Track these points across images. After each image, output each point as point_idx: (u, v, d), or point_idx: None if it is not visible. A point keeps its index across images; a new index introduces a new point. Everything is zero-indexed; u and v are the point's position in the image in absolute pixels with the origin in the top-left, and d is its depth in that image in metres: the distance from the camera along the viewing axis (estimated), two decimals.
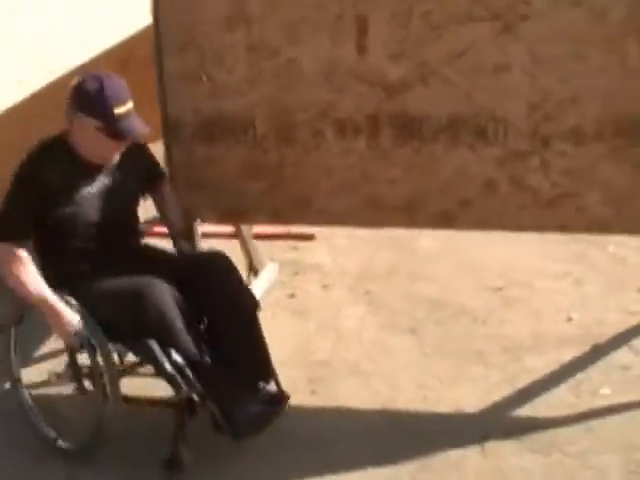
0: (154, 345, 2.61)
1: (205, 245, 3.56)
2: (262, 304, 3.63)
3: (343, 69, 3.03)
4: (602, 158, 2.97)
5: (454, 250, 4.27)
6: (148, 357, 2.66)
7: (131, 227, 2.95)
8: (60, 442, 2.91)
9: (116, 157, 2.74)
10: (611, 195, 3.00)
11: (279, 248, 4.40)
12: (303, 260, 4.26)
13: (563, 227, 3.08)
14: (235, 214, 3.33)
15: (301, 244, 4.44)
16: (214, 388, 2.65)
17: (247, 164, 3.18)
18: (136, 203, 2.95)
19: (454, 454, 2.82)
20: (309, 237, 4.42)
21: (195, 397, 2.64)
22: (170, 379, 2.63)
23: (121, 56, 3.92)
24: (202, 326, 2.80)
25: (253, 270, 3.93)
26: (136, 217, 2.97)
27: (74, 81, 2.68)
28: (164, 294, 2.65)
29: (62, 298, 2.66)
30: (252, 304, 2.88)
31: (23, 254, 2.64)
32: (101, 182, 2.75)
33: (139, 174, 2.89)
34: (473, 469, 2.76)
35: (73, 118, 2.66)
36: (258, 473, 2.79)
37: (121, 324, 2.67)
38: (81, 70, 3.47)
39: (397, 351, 3.42)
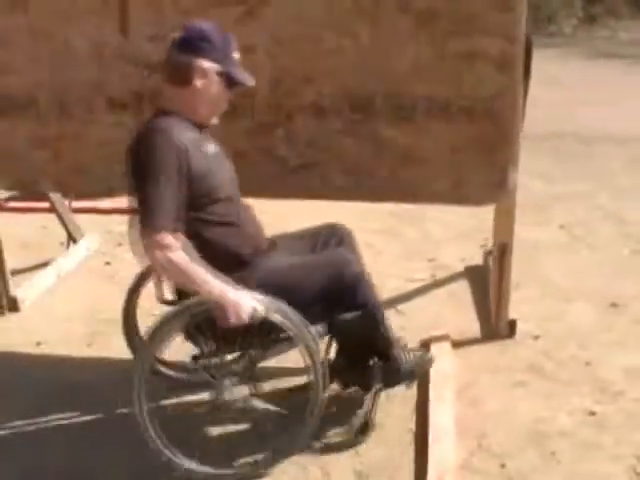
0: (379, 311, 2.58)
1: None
2: (78, 270, 3.85)
3: (110, 50, 3.19)
4: (341, 132, 3.12)
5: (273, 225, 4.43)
6: (371, 326, 2.57)
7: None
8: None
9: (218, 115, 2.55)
10: (350, 166, 3.16)
11: (116, 221, 4.56)
12: None
13: (309, 195, 3.23)
14: (24, 183, 3.48)
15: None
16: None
17: (31, 137, 3.30)
18: None
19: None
20: None
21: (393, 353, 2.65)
22: (388, 339, 2.63)
23: None
24: None
25: (72, 240, 4.10)
26: None
27: (181, 33, 2.47)
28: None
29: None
30: None
31: (180, 242, 2.33)
32: (213, 144, 2.53)
33: None
34: None
35: (189, 69, 2.43)
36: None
37: (316, 302, 2.49)
38: None
39: None
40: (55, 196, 3.93)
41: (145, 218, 2.30)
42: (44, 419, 2.88)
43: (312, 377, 2.45)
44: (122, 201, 4.40)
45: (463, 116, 3.07)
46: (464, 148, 3.09)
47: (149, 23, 3.13)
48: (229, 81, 2.49)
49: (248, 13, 3.05)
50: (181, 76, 2.45)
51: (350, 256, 2.62)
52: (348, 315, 2.54)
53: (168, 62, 2.48)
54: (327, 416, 2.71)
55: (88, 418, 2.90)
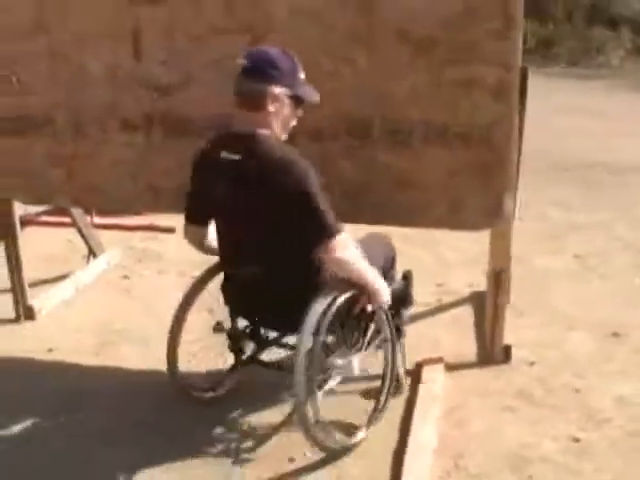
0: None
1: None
2: (96, 283, 3.98)
3: (123, 74, 3.33)
4: (338, 156, 3.20)
5: None
6: (408, 290, 3.10)
7: None
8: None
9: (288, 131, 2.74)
10: (348, 189, 3.22)
11: (139, 238, 4.71)
12: (152, 249, 4.56)
13: None
14: (44, 198, 3.64)
15: (162, 236, 4.74)
16: None
17: (48, 155, 3.47)
18: None
19: None
20: (169, 230, 4.71)
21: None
22: (411, 298, 3.13)
23: None
24: None
25: (93, 254, 4.24)
26: None
27: (248, 60, 2.62)
28: None
29: None
30: None
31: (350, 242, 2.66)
32: None
33: None
34: None
35: (262, 96, 2.59)
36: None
37: None
38: None
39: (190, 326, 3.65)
40: (76, 212, 4.08)
41: (326, 227, 2.55)
42: (51, 422, 2.99)
43: (389, 344, 2.84)
44: (145, 219, 4.59)
45: (460, 142, 3.12)
46: (460, 174, 3.13)
47: (161, 48, 3.26)
48: (298, 100, 2.67)
49: (254, 40, 3.15)
50: (255, 103, 2.60)
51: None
52: (397, 284, 3.02)
53: (240, 90, 2.62)
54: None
55: (93, 422, 3.01)
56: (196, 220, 2.90)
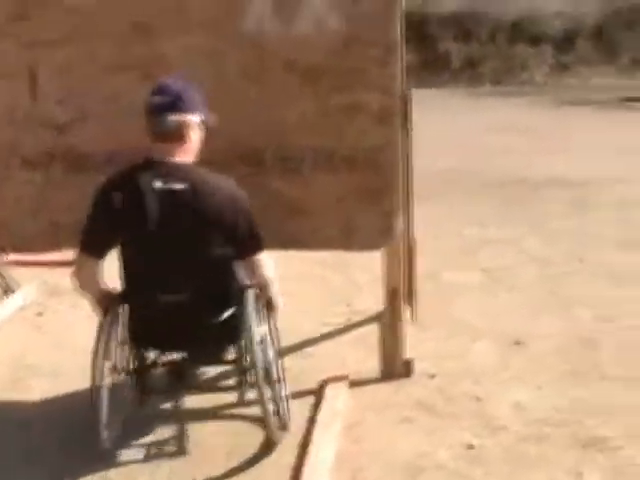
0: None
1: None
2: (10, 320, 4.02)
3: (23, 113, 3.41)
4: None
5: None
6: None
7: None
8: None
9: None
10: None
11: (53, 273, 4.75)
12: (65, 283, 4.57)
13: None
14: None
15: None
16: None
17: None
18: None
19: None
20: None
21: None
22: None
23: None
24: None
25: (10, 291, 4.29)
26: None
27: (157, 97, 2.76)
28: None
29: None
30: None
31: None
32: None
33: None
34: None
35: (181, 128, 2.78)
36: None
37: None
38: None
39: None
40: None
41: (259, 239, 2.87)
42: None
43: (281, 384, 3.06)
44: (59, 254, 4.61)
45: (346, 166, 3.26)
46: (349, 197, 3.28)
47: (56, 87, 3.35)
48: (205, 125, 2.85)
49: (145, 76, 3.25)
50: (175, 135, 2.77)
51: None
52: None
53: (157, 126, 2.77)
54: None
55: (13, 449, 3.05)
56: (95, 253, 2.88)
